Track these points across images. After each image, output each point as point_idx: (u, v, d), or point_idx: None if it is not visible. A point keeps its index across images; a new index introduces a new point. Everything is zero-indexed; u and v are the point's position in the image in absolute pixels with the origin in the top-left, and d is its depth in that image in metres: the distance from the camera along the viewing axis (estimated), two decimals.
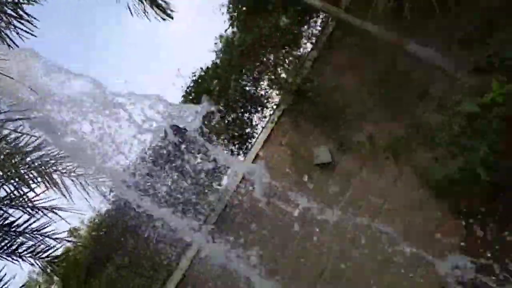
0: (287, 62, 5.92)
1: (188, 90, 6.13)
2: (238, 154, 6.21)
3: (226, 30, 6.31)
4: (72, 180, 5.72)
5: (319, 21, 5.94)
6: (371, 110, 5.76)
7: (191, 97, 6.01)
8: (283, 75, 5.89)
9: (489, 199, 5.07)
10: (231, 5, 6.18)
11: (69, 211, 5.67)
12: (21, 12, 3.44)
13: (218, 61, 6.16)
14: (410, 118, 5.56)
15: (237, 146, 6.25)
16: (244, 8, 6.05)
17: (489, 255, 4.72)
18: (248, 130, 6.53)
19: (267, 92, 6.10)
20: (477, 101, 4.42)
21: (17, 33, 3.53)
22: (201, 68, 6.19)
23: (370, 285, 5.26)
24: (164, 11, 5.75)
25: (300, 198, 5.67)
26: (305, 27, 5.89)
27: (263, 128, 6.00)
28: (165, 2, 5.91)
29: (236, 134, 6.34)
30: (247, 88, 6.10)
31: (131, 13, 5.61)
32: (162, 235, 5.23)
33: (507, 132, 4.79)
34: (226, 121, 6.24)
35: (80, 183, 5.73)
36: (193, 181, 5.11)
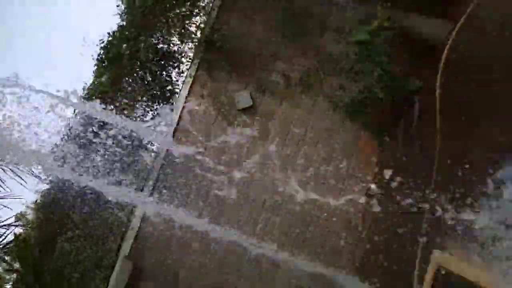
0: (193, 14, 6.03)
1: (99, 58, 6.08)
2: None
3: None
4: (3, 169, 5.72)
5: None
6: (280, 49, 6.13)
7: (104, 65, 5.99)
8: (191, 28, 6.02)
9: (394, 114, 5.79)
10: None
11: (8, 197, 5.73)
12: None
13: (124, 23, 6.10)
14: (315, 51, 6.01)
15: (162, 105, 6.43)
16: None
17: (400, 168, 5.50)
18: (169, 87, 6.69)
19: (179, 47, 6.22)
20: (366, 29, 4.90)
21: None
22: (108, 34, 6.11)
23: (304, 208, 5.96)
24: None
25: (230, 144, 6.11)
26: None
27: (183, 83, 6.18)
28: None
29: (158, 93, 6.50)
30: (159, 46, 6.17)
31: None
32: (106, 202, 5.46)
33: (396, 53, 5.41)
34: (146, 82, 6.34)
35: (11, 169, 5.74)
36: (125, 148, 5.30)
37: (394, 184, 5.41)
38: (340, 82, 5.44)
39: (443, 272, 3.73)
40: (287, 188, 6.08)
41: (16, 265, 6.00)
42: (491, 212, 3.58)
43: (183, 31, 5.96)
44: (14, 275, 6.13)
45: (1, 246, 5.44)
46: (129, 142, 4.84)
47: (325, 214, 6.01)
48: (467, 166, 4.06)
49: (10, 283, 6.79)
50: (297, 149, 6.19)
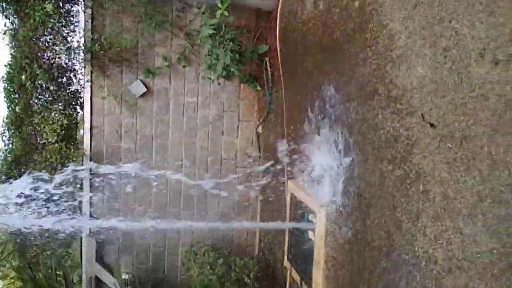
0: (71, 31, 6.93)
1: (5, 90, 6.95)
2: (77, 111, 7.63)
3: (5, 24, 6.88)
4: None
5: None
6: (153, 37, 7.26)
7: (13, 96, 6.91)
8: (74, 43, 6.97)
9: (258, 69, 7.27)
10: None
11: None
12: None
13: (15, 53, 6.89)
14: (183, 31, 7.22)
15: (72, 108, 7.60)
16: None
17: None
18: (74, 88, 7.74)
19: (70, 60, 7.18)
20: (210, 23, 6.12)
21: None
22: (5, 66, 6.94)
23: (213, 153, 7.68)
24: None
25: (142, 130, 7.51)
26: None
27: (84, 88, 7.29)
28: None
29: (67, 98, 7.59)
30: (52, 62, 7.09)
31: None
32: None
33: (244, 28, 6.73)
34: (52, 93, 7.37)
35: None
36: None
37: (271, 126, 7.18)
38: (207, 61, 6.72)
39: (294, 197, 5.66)
40: (197, 141, 7.74)
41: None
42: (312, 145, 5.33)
43: (68, 45, 6.90)
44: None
45: None
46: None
47: (233, 153, 7.81)
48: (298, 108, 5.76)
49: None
50: (194, 114, 7.70)
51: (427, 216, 2.99)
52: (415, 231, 3.14)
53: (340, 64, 4.43)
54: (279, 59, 6.50)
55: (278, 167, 6.40)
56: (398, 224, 3.36)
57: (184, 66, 7.49)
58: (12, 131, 7.01)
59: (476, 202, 2.54)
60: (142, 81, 7.40)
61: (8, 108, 7.02)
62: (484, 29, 2.50)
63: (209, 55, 6.43)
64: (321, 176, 4.82)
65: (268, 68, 6.93)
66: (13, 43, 6.88)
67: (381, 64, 3.62)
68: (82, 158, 7.29)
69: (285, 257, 6.02)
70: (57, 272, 7.47)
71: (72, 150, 7.25)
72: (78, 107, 7.65)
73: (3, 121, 7.11)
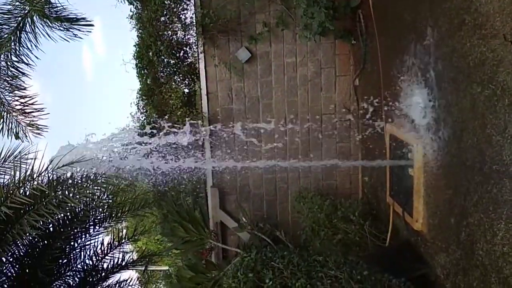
0: (184, 9, 8.02)
1: (137, 67, 8.35)
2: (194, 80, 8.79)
3: (130, 9, 8.22)
4: None
5: None
6: (253, 6, 8.02)
7: (143, 72, 8.28)
8: (187, 20, 8.05)
9: (352, 23, 7.65)
10: None
11: None
12: None
13: (140, 34, 8.21)
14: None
15: (190, 78, 8.79)
16: None
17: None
18: (190, 60, 8.92)
19: (185, 35, 8.31)
20: None
21: None
22: (134, 46, 8.33)
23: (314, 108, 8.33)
24: None
25: (249, 90, 8.43)
26: None
27: (198, 58, 8.38)
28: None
29: (186, 69, 8.79)
30: (171, 39, 8.28)
31: None
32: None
33: None
34: (173, 66, 8.61)
35: None
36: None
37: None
38: (303, 21, 7.30)
39: (392, 138, 6.10)
40: (298, 99, 8.45)
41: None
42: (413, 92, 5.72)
43: (182, 25, 8.01)
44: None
45: None
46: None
47: (332, 106, 8.38)
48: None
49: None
50: (294, 73, 8.38)
51: None
52: (503, 142, 3.49)
53: (428, 2, 4.73)
54: (371, 9, 6.83)
55: (376, 113, 6.86)
56: (488, 139, 3.72)
57: (282, 30, 8.16)
58: (146, 100, 8.41)
59: None
60: (246, 47, 8.26)
61: (140, 81, 8.43)
62: None
63: (304, 15, 7.01)
64: (417, 112, 5.21)
65: (362, 21, 7.29)
66: (139, 25, 8.18)
67: None
68: (202, 120, 8.45)
69: (387, 194, 6.52)
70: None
71: (194, 114, 8.44)
72: (194, 77, 8.80)
73: (137, 92, 8.57)
